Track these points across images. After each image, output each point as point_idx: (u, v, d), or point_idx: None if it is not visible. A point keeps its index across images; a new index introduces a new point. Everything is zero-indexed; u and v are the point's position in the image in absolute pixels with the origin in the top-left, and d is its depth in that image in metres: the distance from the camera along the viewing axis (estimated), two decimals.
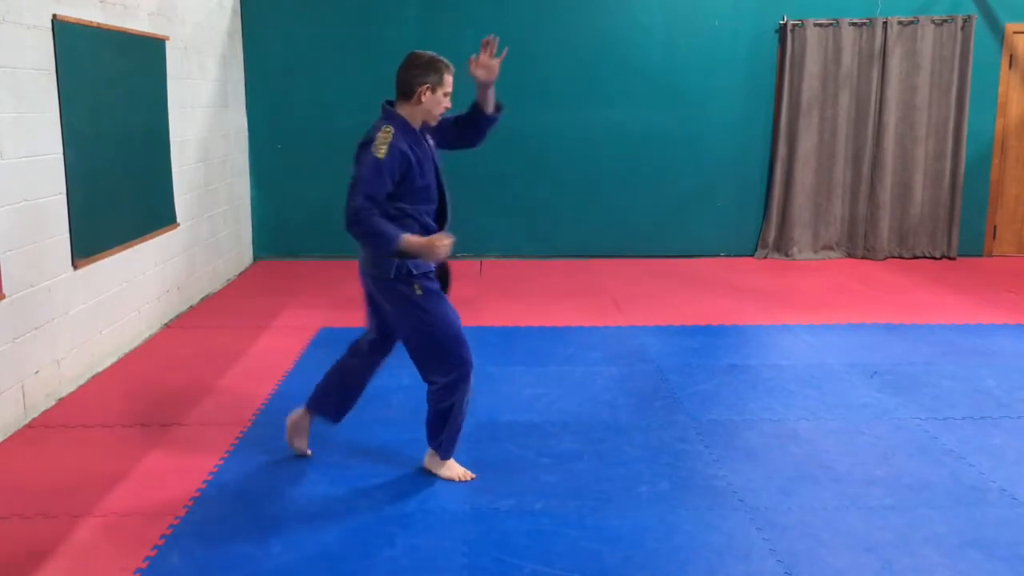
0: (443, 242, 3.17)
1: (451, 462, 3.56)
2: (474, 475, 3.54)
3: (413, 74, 3.30)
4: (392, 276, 3.28)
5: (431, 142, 3.42)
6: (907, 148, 7.86)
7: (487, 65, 3.38)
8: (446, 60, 3.35)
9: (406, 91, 3.32)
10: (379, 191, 3.20)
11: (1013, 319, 5.92)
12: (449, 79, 3.33)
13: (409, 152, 3.25)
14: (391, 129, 3.25)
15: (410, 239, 3.18)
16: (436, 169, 3.38)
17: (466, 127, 3.51)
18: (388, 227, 3.19)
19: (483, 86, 3.41)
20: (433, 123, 3.38)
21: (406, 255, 3.22)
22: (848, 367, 4.91)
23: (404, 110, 3.33)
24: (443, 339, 3.35)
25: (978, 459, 3.73)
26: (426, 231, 3.32)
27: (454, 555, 2.98)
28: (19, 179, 4.11)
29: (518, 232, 7.87)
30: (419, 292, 3.31)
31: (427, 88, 3.29)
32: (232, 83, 7.32)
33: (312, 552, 3.00)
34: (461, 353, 3.37)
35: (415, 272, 3.29)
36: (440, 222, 3.41)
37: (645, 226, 7.99)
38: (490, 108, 3.47)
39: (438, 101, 3.32)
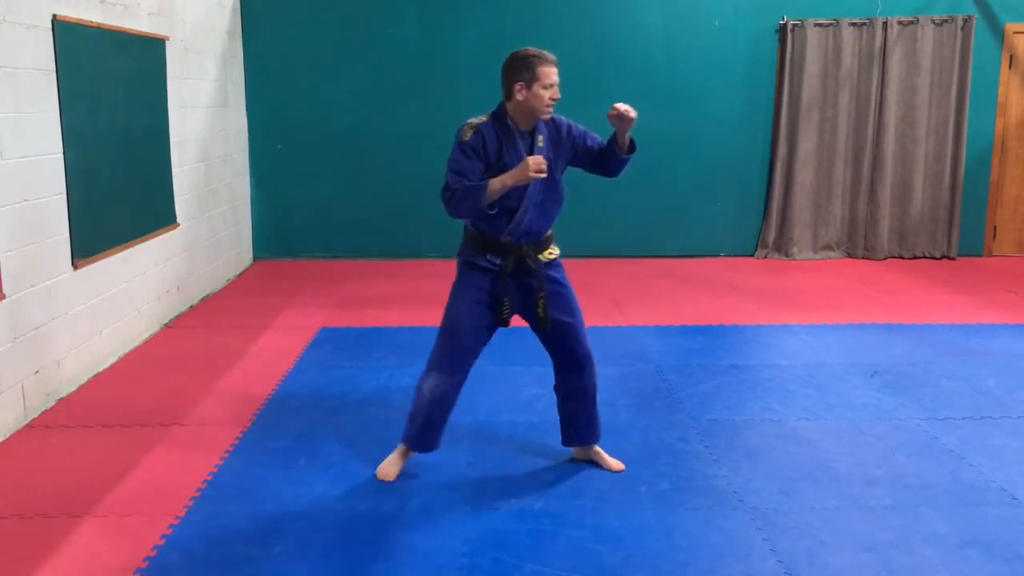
0: (533, 160, 3.18)
1: (391, 458, 3.57)
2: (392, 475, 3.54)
3: (507, 74, 3.30)
4: (456, 256, 3.47)
5: (545, 146, 3.33)
6: (907, 148, 7.86)
7: (620, 114, 3.34)
8: (543, 53, 3.29)
9: (505, 91, 3.33)
10: (465, 167, 3.25)
11: (1013, 319, 5.92)
12: (547, 71, 3.25)
13: (492, 142, 3.28)
14: (484, 118, 3.33)
15: (492, 182, 3.22)
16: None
17: (604, 159, 3.48)
18: (469, 186, 3.23)
19: (619, 131, 3.40)
20: (544, 117, 3.31)
21: (498, 194, 3.22)
22: (848, 367, 4.91)
23: (509, 108, 3.33)
24: (442, 326, 3.48)
25: (978, 459, 3.73)
26: (489, 225, 3.33)
27: (454, 555, 2.98)
28: (19, 179, 4.11)
29: None
30: (457, 277, 3.45)
31: (521, 85, 3.27)
32: (232, 83, 7.33)
33: (312, 552, 3.00)
34: (444, 351, 3.43)
35: (468, 259, 3.41)
36: (507, 221, 3.33)
37: (645, 226, 7.99)
38: (623, 149, 3.44)
39: (537, 95, 3.26)
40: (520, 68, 3.27)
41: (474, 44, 7.64)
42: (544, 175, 3.21)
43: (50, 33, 4.37)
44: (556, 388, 3.60)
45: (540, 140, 3.35)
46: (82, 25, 4.65)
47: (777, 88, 7.87)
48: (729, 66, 7.82)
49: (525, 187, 3.29)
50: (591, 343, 3.54)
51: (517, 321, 3.52)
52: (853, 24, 7.70)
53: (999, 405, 4.36)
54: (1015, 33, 7.78)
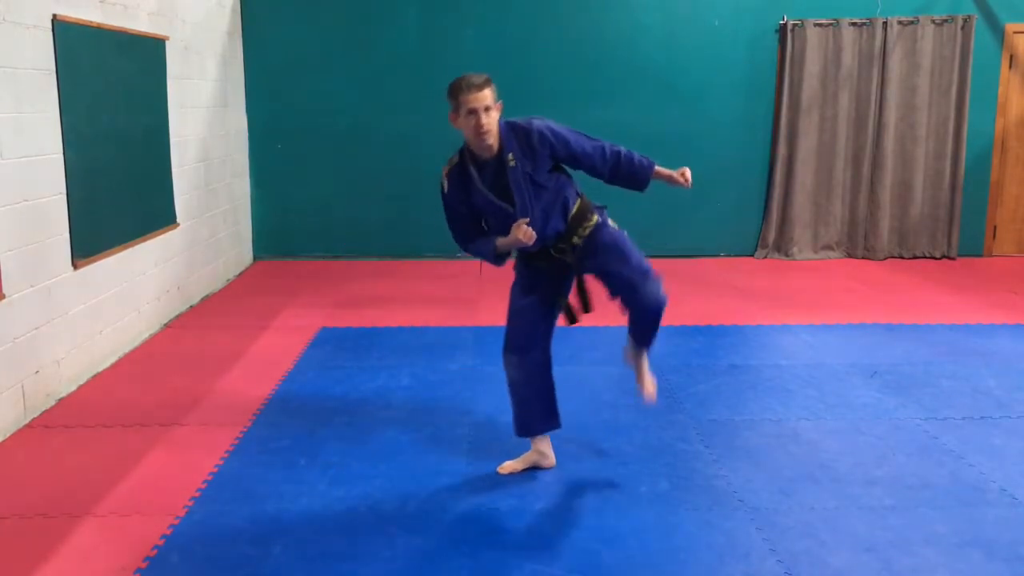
0: (520, 228, 3.21)
1: (522, 458, 3.62)
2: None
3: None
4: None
5: (518, 162, 3.28)
6: (907, 148, 7.86)
7: (680, 180, 3.47)
8: (469, 78, 3.19)
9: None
10: (458, 223, 3.41)
11: (1013, 319, 5.92)
12: (465, 98, 3.15)
13: (461, 186, 3.33)
14: (455, 158, 3.36)
15: (500, 240, 3.33)
16: (510, 200, 3.29)
17: (620, 177, 3.48)
18: (482, 245, 3.39)
19: (665, 182, 3.49)
20: (483, 144, 3.23)
21: (506, 252, 3.38)
22: (848, 367, 4.91)
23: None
24: (508, 315, 3.52)
25: (978, 459, 3.73)
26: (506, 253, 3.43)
27: (454, 555, 2.98)
28: (19, 179, 4.11)
29: None
30: (515, 273, 3.53)
31: (453, 116, 3.25)
32: (232, 83, 7.33)
33: (312, 552, 3.00)
34: (509, 332, 3.50)
35: (519, 266, 3.51)
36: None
37: (645, 226, 7.93)
38: (644, 184, 3.50)
39: (464, 125, 3.21)
40: (448, 97, 3.23)
41: (474, 44, 7.64)
42: (532, 240, 3.22)
43: (50, 33, 4.37)
44: (630, 312, 3.54)
45: (511, 159, 3.26)
46: (82, 25, 4.65)
47: (777, 88, 7.87)
48: (729, 66, 7.81)
49: (511, 213, 3.28)
50: (646, 263, 3.46)
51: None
52: (853, 24, 7.70)
53: (999, 405, 4.36)
54: (1015, 33, 7.78)
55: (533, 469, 3.58)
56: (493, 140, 3.24)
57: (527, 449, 3.66)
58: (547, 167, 3.35)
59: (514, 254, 3.49)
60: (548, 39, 7.69)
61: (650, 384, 3.62)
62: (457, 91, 3.19)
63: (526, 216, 3.27)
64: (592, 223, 3.43)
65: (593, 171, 3.45)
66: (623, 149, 3.44)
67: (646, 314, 3.47)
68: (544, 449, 3.60)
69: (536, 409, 3.55)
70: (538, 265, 3.45)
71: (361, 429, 4.04)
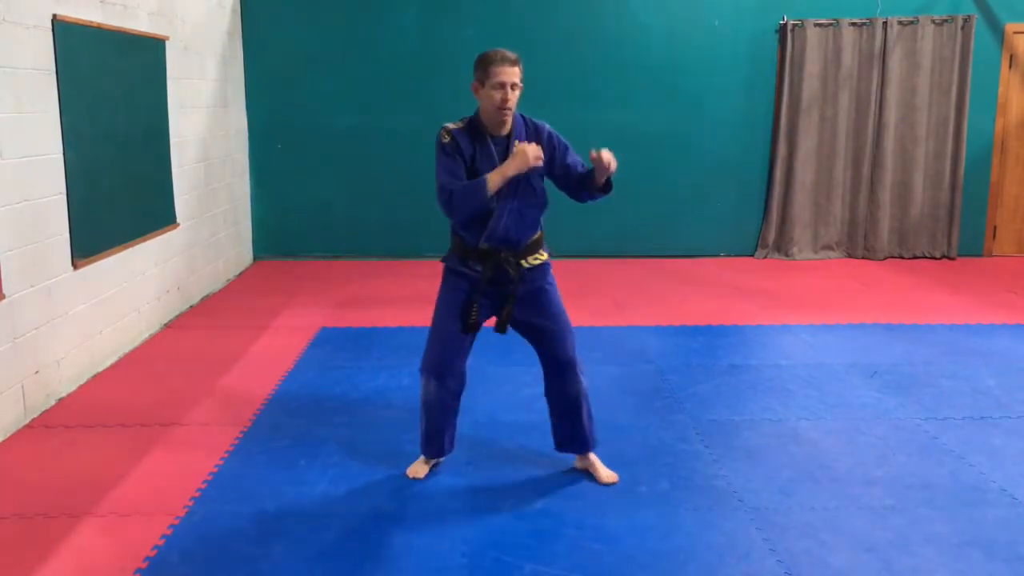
0: (532, 148, 3.17)
1: (419, 460, 3.60)
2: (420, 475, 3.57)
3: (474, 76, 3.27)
4: (442, 260, 3.49)
5: (518, 147, 3.23)
6: (907, 148, 7.86)
7: (600, 161, 3.22)
8: (503, 53, 3.21)
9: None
10: (455, 168, 3.25)
11: (1013, 319, 5.92)
12: (497, 70, 3.17)
13: (466, 147, 3.26)
14: (460, 123, 3.30)
15: (491, 176, 3.20)
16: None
17: (579, 184, 3.39)
18: (471, 184, 3.22)
19: (597, 172, 3.30)
20: (500, 119, 3.24)
21: (499, 186, 3.20)
22: (848, 367, 4.91)
23: (479, 111, 3.31)
24: (429, 333, 3.46)
25: (978, 459, 3.73)
26: (468, 231, 3.34)
27: (454, 555, 2.98)
28: (19, 179, 4.11)
29: None
30: (441, 282, 3.46)
31: (476, 85, 3.26)
32: (232, 83, 7.32)
33: (312, 552, 3.00)
34: (430, 357, 3.43)
35: (451, 266, 3.44)
36: (480, 230, 3.31)
37: (645, 226, 7.99)
38: (598, 184, 3.34)
39: (488, 96, 3.21)
40: (476, 67, 3.25)
41: (474, 44, 7.58)
42: (542, 162, 3.20)
43: (50, 33, 4.37)
44: (545, 393, 3.57)
45: (517, 144, 3.27)
46: (82, 25, 4.65)
47: (777, 88, 7.87)
48: (729, 66, 7.81)
49: (497, 193, 3.25)
50: (576, 351, 3.46)
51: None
52: (853, 24, 7.70)
53: (999, 405, 4.36)
54: (1015, 33, 7.78)
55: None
56: (510, 119, 3.26)
57: (527, 449, 3.70)
58: (545, 171, 3.35)
59: (451, 261, 3.41)
60: (548, 39, 7.69)
61: (608, 476, 3.53)
62: (489, 62, 3.20)
63: (508, 203, 3.25)
64: (543, 257, 3.44)
65: (570, 184, 3.41)
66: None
67: (566, 401, 3.47)
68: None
69: (446, 436, 3.56)
70: (473, 274, 3.35)
71: (361, 429, 4.04)
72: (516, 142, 3.27)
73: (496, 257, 3.32)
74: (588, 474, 3.57)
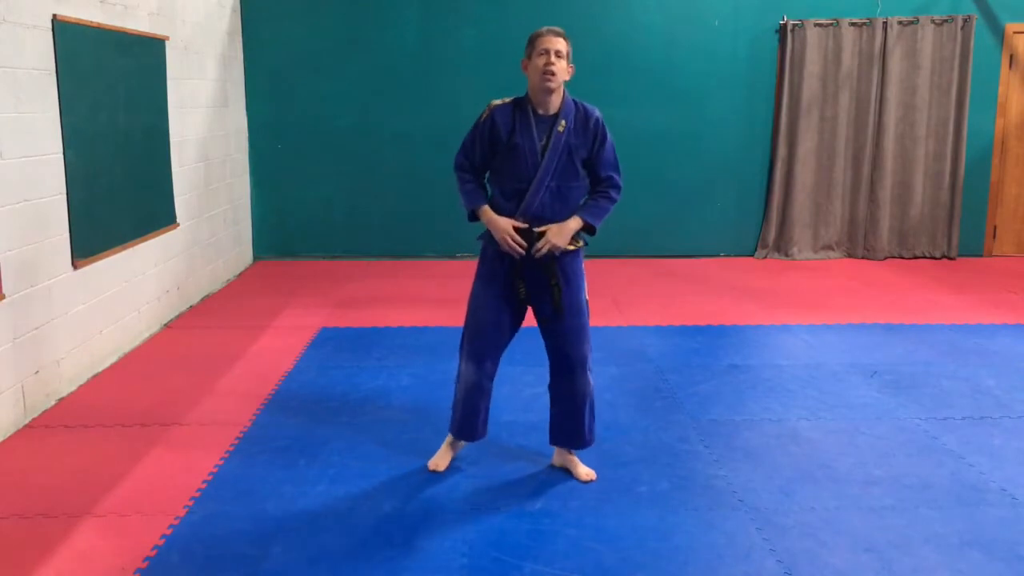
0: (508, 238, 3.25)
1: (439, 452, 3.65)
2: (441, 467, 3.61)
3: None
4: (479, 237, 3.49)
5: (567, 131, 3.29)
6: (907, 148, 7.86)
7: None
8: (549, 27, 3.32)
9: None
10: (471, 151, 3.37)
11: (1013, 319, 5.92)
12: (541, 40, 3.27)
13: (505, 123, 3.30)
14: (507, 100, 3.35)
15: (487, 211, 3.33)
16: (541, 158, 3.28)
17: (591, 182, 3.43)
18: (471, 191, 3.38)
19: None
20: (548, 92, 3.26)
21: (479, 220, 3.39)
22: (848, 367, 4.91)
23: (528, 89, 3.34)
24: (467, 315, 3.52)
25: (978, 459, 3.73)
26: (497, 209, 3.36)
27: (454, 555, 2.98)
28: (19, 179, 4.11)
29: None
30: (479, 259, 3.48)
31: (525, 62, 3.34)
32: (232, 83, 7.32)
33: (312, 552, 3.00)
34: (468, 341, 3.48)
35: (488, 241, 3.42)
36: (516, 204, 3.32)
37: (645, 226, 7.99)
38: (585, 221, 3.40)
39: (534, 67, 3.27)
40: (526, 47, 3.33)
41: (474, 44, 7.64)
42: (518, 252, 3.26)
43: (50, 33, 4.37)
44: (549, 387, 3.57)
45: (562, 125, 3.29)
46: (82, 25, 4.65)
47: (777, 88, 7.87)
48: (729, 66, 7.81)
49: (535, 168, 3.27)
50: (590, 351, 3.48)
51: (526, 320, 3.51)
52: (853, 24, 7.70)
53: (999, 405, 4.36)
54: (1015, 33, 7.78)
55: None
56: (556, 86, 3.26)
57: (527, 449, 3.71)
58: (585, 155, 3.35)
59: (487, 237, 3.41)
60: None
61: (588, 474, 3.54)
62: (536, 36, 3.31)
63: (545, 180, 3.27)
64: (579, 244, 3.45)
65: (588, 178, 3.43)
66: (614, 187, 3.43)
67: (572, 400, 3.48)
68: (458, 445, 3.68)
69: (479, 419, 3.57)
70: (509, 257, 3.35)
71: (361, 429, 4.04)
72: (562, 122, 3.29)
73: (533, 235, 3.31)
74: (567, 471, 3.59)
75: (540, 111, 3.31)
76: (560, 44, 3.26)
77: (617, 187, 3.42)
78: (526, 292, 3.38)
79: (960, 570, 2.90)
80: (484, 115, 3.34)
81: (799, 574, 2.87)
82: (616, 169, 3.42)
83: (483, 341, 3.45)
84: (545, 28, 3.31)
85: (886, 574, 2.87)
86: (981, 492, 3.44)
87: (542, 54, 3.24)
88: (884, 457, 3.76)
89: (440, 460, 3.62)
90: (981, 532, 3.13)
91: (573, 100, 3.36)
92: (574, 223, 3.33)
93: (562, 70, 3.26)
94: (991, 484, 3.51)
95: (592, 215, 3.37)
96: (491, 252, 3.42)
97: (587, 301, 3.50)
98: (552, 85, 3.25)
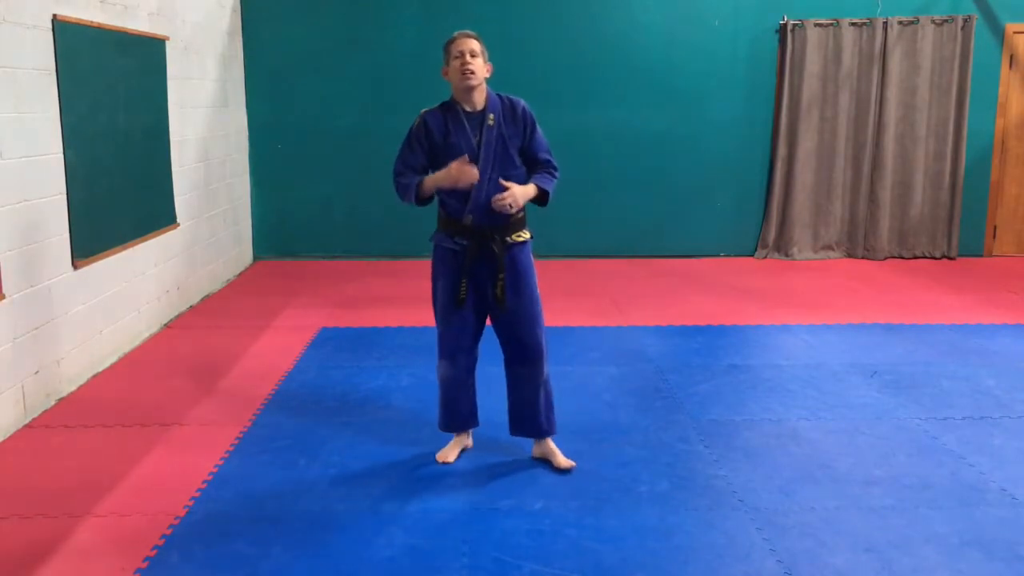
0: (456, 170, 3.28)
1: (449, 444, 3.74)
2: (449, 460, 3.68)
3: None
4: (430, 239, 3.58)
5: (496, 124, 3.39)
6: (907, 148, 7.86)
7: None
8: (459, 32, 3.43)
9: None
10: (407, 157, 3.47)
11: (1013, 319, 5.92)
12: (454, 45, 3.38)
13: (438, 127, 3.41)
14: (435, 107, 3.47)
15: (426, 180, 3.40)
16: (478, 152, 3.37)
17: (528, 167, 3.52)
18: (406, 183, 3.45)
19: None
20: (468, 93, 3.38)
21: (429, 196, 3.45)
22: (848, 367, 4.91)
23: (452, 92, 3.46)
24: (435, 314, 3.60)
25: (978, 459, 3.73)
26: (450, 206, 3.46)
27: (454, 555, 2.98)
28: (19, 179, 4.11)
29: None
30: (432, 261, 3.56)
31: (445, 69, 3.46)
32: (232, 83, 7.33)
33: (312, 552, 3.00)
34: (440, 338, 3.59)
35: (438, 242, 3.53)
36: (464, 201, 3.42)
37: (645, 226, 7.99)
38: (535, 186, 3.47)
39: (453, 71, 3.39)
40: (443, 54, 3.44)
41: None
42: (471, 182, 3.30)
43: (50, 33, 4.37)
44: (506, 378, 3.64)
45: (491, 118, 3.41)
46: (82, 25, 4.65)
47: (777, 88, 7.87)
48: (729, 66, 7.81)
49: (475, 163, 3.35)
50: (546, 339, 3.57)
51: None
52: (853, 24, 7.70)
53: (999, 405, 4.36)
54: (1015, 33, 7.78)
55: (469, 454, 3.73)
56: (477, 83, 3.37)
57: (527, 449, 3.72)
58: (519, 144, 3.46)
59: (438, 237, 3.50)
60: (548, 39, 7.69)
61: (566, 462, 3.60)
62: (449, 42, 3.43)
63: (486, 172, 3.37)
64: (526, 236, 3.55)
65: (525, 164, 3.52)
66: (553, 167, 3.53)
67: (528, 389, 3.56)
68: (464, 439, 3.76)
69: (464, 409, 3.68)
70: (459, 249, 3.42)
71: (361, 429, 4.04)
72: (491, 116, 3.39)
73: (482, 233, 3.41)
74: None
75: (468, 108, 3.42)
76: (474, 44, 3.38)
77: (556, 167, 3.54)
78: (467, 291, 3.46)
79: (960, 570, 2.90)
80: (416, 122, 3.48)
81: (799, 574, 2.87)
82: (550, 152, 3.54)
83: (450, 338, 3.56)
84: (457, 32, 3.43)
85: (886, 574, 2.87)
86: (981, 492, 3.44)
87: (457, 56, 3.37)
88: (884, 457, 3.76)
89: (449, 452, 3.70)
90: (981, 532, 3.13)
91: (497, 94, 3.48)
92: (531, 188, 3.43)
93: (480, 68, 3.38)
94: (991, 484, 3.51)
95: (543, 182, 3.47)
96: (441, 251, 3.52)
97: (539, 294, 3.58)
98: (473, 82, 3.36)
